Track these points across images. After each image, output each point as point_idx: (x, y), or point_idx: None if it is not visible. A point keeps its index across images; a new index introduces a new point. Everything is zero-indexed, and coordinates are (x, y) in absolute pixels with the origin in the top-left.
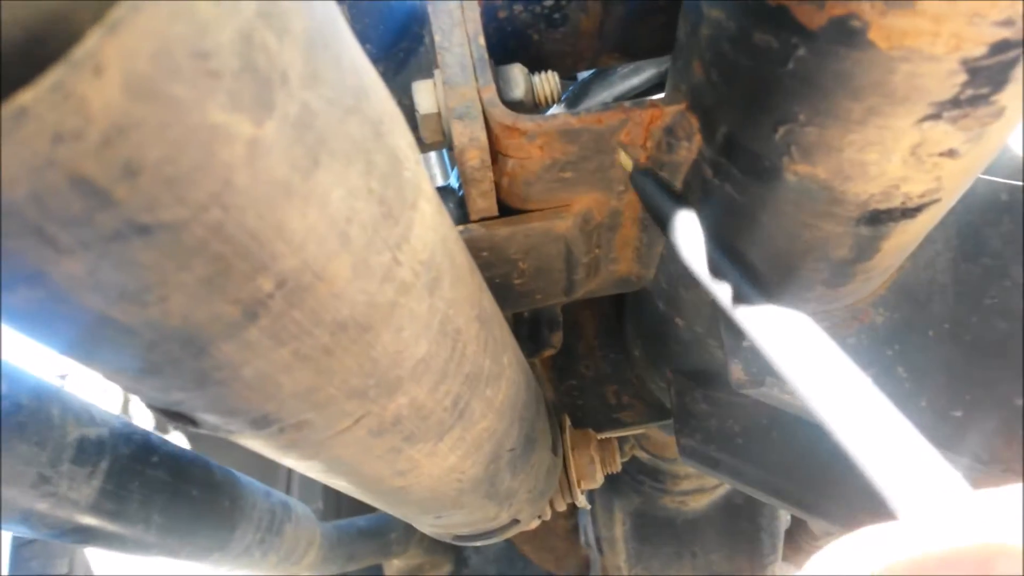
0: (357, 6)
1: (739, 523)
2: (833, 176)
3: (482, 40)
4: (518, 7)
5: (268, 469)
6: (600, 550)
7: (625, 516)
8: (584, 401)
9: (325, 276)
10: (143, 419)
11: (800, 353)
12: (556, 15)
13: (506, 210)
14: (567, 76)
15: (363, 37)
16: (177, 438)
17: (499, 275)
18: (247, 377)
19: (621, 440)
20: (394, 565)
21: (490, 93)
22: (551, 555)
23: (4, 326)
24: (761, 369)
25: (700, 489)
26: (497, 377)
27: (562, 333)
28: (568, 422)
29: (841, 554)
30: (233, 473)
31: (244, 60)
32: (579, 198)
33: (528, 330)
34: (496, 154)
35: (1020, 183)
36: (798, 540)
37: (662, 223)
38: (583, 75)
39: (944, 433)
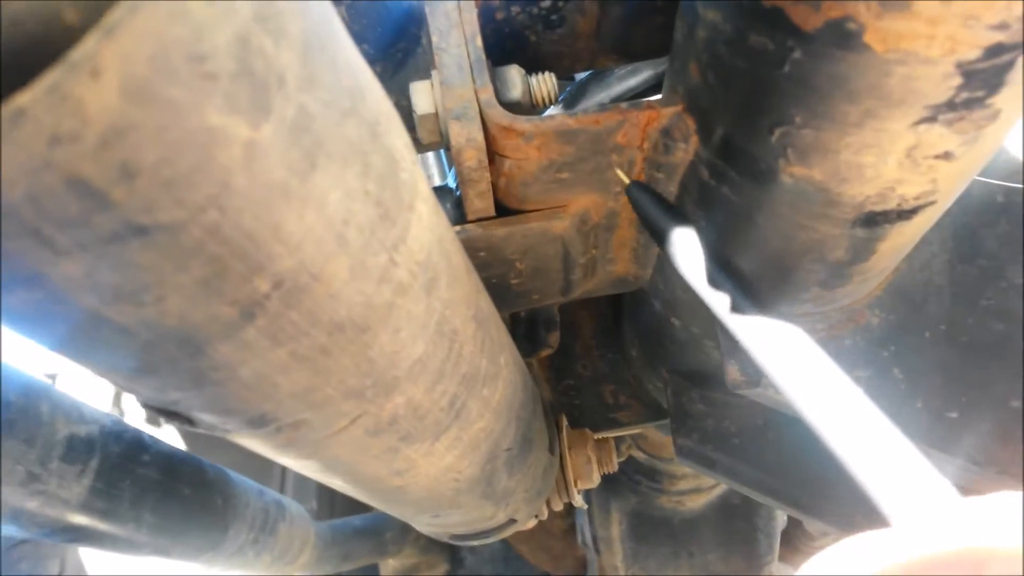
0: (355, 7)
1: (736, 523)
2: (829, 178)
3: (479, 41)
4: (515, 8)
5: (262, 468)
6: (597, 550)
7: (622, 516)
8: (581, 401)
9: (322, 277)
10: (134, 418)
11: (794, 365)
12: (553, 16)
13: (503, 210)
14: (564, 77)
15: (360, 38)
16: (169, 433)
17: (496, 275)
18: (244, 377)
19: (618, 440)
20: (389, 565)
21: (487, 94)
22: (547, 555)
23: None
24: (757, 370)
25: (697, 489)
26: (494, 377)
27: (559, 333)
28: (565, 422)
29: (836, 559)
30: (226, 472)
31: (241, 63)
32: (576, 199)
33: (525, 330)
34: (493, 155)
35: (1016, 185)
36: (794, 540)
37: (658, 236)
38: (580, 76)
39: (939, 434)
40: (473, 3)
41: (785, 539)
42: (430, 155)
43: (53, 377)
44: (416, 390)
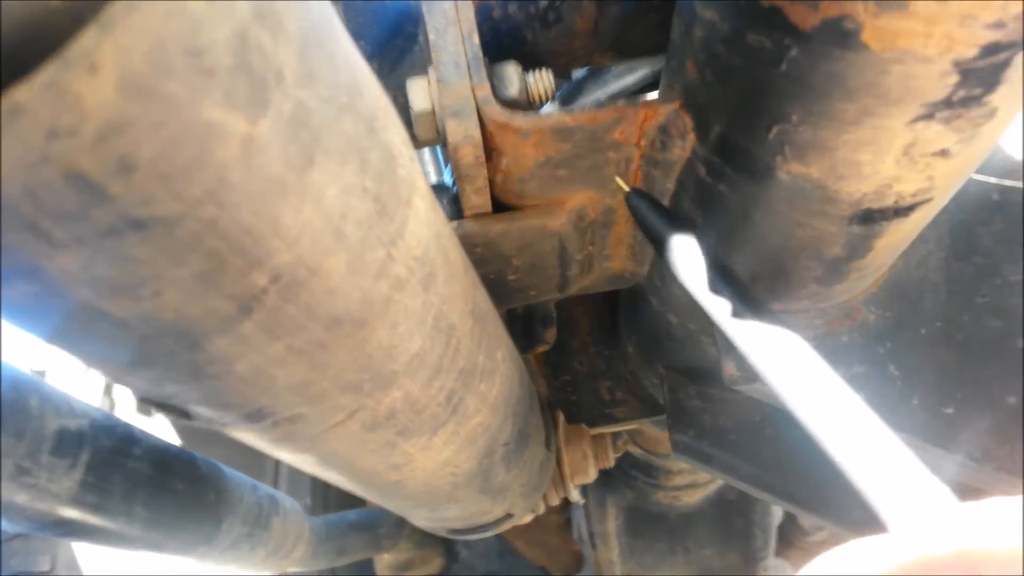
0: (351, 5)
1: (732, 518)
2: (826, 175)
3: (476, 38)
4: (512, 6)
5: (255, 463)
6: (593, 545)
7: (618, 511)
8: (578, 397)
9: (320, 272)
10: (124, 410)
11: (793, 373)
12: (550, 14)
13: (500, 207)
14: (561, 75)
15: (357, 35)
16: (160, 424)
17: (493, 271)
18: (241, 371)
19: (614, 436)
20: (384, 560)
21: (484, 91)
22: (543, 550)
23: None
24: None
25: (693, 484)
26: (491, 372)
27: (555, 329)
28: (562, 418)
29: (833, 562)
30: (218, 466)
31: (238, 58)
32: (573, 195)
33: (522, 326)
34: (490, 151)
35: (1012, 183)
36: (789, 535)
37: (658, 244)
38: (577, 75)
39: (936, 431)
40: (470, 1)
41: (779, 534)
42: (425, 152)
43: (42, 374)
44: (413, 385)
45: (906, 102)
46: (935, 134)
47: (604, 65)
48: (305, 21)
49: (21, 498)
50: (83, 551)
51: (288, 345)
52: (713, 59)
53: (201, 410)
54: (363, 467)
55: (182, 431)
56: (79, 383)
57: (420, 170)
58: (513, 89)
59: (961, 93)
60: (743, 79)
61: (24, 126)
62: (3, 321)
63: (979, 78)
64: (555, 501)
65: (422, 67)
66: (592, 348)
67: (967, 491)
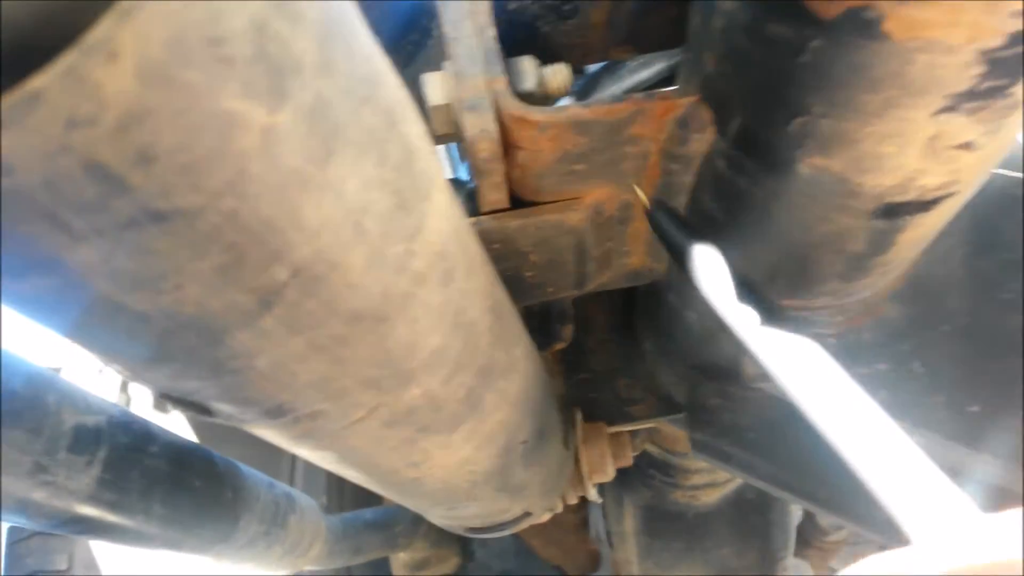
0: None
1: (750, 518)
2: (848, 169)
3: (492, 32)
4: None
5: (271, 461)
6: (611, 544)
7: (635, 510)
8: (595, 395)
9: (340, 266)
10: (140, 405)
11: (814, 387)
12: (566, 7)
13: (517, 202)
14: (576, 70)
15: (371, 29)
16: (177, 421)
17: (510, 268)
18: (262, 366)
19: (632, 434)
20: (400, 559)
21: (501, 84)
22: (559, 549)
23: (11, 312)
24: None
25: (711, 484)
26: (510, 369)
27: (572, 327)
28: (580, 416)
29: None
30: (235, 464)
31: (257, 47)
32: (591, 191)
33: (538, 323)
34: (507, 146)
35: None
36: (808, 536)
37: (679, 258)
38: (592, 69)
39: (961, 428)
40: None
41: (797, 534)
42: (439, 148)
43: (57, 371)
44: (433, 381)
45: (930, 93)
46: (959, 126)
47: (620, 59)
48: (324, 11)
49: (38, 495)
50: (101, 550)
51: (308, 340)
52: (733, 51)
53: (221, 406)
54: (382, 464)
55: (197, 428)
56: (95, 380)
57: (439, 164)
58: (529, 83)
59: (987, 84)
60: (763, 71)
61: (43, 115)
62: (20, 317)
63: (1004, 68)
64: (573, 500)
65: (436, 63)
66: (609, 346)
67: (1004, 492)
